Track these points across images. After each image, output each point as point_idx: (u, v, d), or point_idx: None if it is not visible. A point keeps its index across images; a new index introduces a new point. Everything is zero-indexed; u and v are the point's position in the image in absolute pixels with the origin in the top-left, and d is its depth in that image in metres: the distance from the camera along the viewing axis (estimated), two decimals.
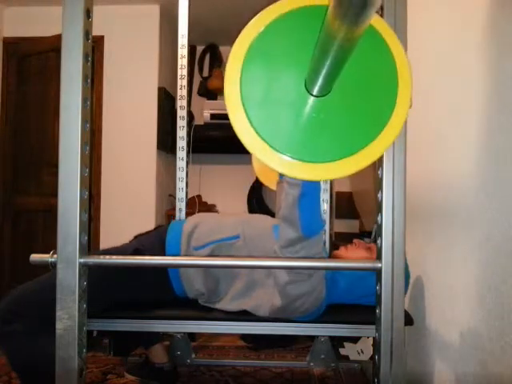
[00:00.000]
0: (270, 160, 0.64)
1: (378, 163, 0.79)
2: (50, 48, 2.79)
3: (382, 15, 0.77)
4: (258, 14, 0.64)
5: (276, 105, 0.64)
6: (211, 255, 1.25)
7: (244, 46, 0.64)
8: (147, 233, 1.43)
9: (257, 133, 0.64)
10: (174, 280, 1.26)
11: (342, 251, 1.37)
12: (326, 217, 1.78)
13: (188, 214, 1.64)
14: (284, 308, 1.14)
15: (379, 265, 0.78)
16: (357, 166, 0.65)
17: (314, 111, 0.64)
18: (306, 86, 0.64)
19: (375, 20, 0.65)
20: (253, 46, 0.64)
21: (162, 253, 1.28)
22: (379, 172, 0.79)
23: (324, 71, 0.57)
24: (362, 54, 0.63)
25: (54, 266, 0.76)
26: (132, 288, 1.24)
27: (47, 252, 0.78)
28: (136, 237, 1.41)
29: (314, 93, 0.63)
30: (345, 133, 0.65)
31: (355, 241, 1.38)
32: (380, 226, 0.78)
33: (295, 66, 0.64)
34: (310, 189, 1.04)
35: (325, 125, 0.65)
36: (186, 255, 1.27)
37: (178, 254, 1.28)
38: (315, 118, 0.64)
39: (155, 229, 1.50)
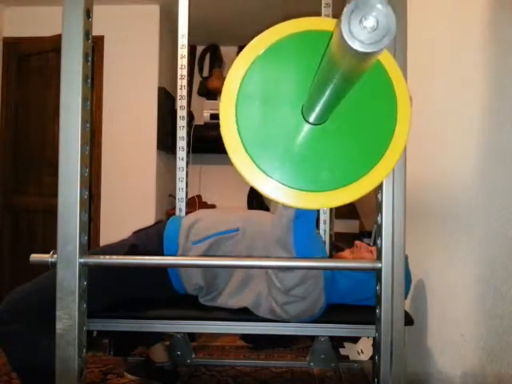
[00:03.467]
0: (268, 189, 0.62)
1: None
2: (50, 48, 2.79)
3: None
4: (258, 36, 0.62)
5: (272, 132, 0.62)
6: (210, 249, 1.24)
7: (243, 68, 0.62)
8: (146, 228, 1.43)
9: (252, 160, 0.62)
10: (173, 275, 1.26)
11: (346, 253, 1.36)
12: (326, 217, 1.78)
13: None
14: (285, 319, 1.15)
15: (379, 265, 0.78)
16: (357, 194, 0.63)
17: (311, 139, 0.62)
18: (302, 113, 0.61)
19: None
20: (251, 67, 0.62)
21: (160, 247, 1.28)
22: None
23: (322, 101, 0.54)
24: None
25: (53, 265, 0.76)
26: (131, 285, 1.24)
27: (47, 252, 0.78)
28: (135, 232, 1.41)
29: (311, 121, 0.61)
30: (344, 161, 0.63)
31: (356, 243, 1.36)
32: (380, 226, 0.78)
33: (293, 92, 0.62)
34: (305, 210, 1.01)
35: (323, 153, 0.63)
36: (184, 254, 1.27)
37: (175, 249, 1.28)
38: (312, 146, 0.62)
39: (154, 224, 1.50)
